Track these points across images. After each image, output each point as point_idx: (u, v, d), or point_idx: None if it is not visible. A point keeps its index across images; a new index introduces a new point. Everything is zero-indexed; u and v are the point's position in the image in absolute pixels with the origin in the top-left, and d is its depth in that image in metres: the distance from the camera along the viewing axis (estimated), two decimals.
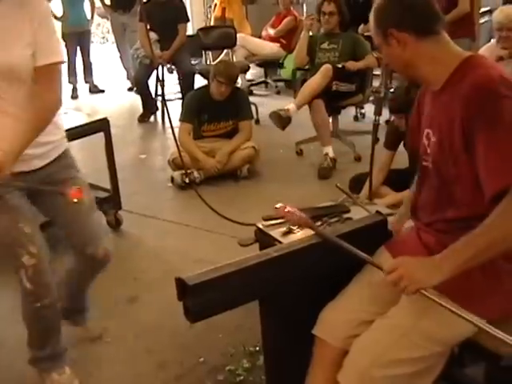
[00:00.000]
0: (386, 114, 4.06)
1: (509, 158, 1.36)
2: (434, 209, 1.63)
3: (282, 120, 4.30)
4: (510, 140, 1.36)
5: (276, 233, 1.86)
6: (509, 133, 1.37)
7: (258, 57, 6.83)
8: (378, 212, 1.86)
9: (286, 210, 1.75)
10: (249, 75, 7.17)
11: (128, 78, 7.37)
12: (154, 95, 5.97)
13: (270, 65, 7.01)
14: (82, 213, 2.05)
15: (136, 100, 6.24)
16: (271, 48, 6.84)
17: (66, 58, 1.87)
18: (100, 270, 2.19)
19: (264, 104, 6.17)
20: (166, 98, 5.12)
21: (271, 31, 6.85)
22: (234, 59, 6.54)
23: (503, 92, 1.40)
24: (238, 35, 6.66)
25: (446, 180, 1.56)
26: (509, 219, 1.33)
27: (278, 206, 1.78)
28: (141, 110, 6.00)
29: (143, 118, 5.93)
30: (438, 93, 1.57)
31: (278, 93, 7.10)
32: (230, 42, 6.52)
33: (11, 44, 1.78)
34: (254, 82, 7.07)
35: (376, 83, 4.40)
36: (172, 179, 4.19)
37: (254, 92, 6.96)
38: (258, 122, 5.45)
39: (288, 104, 4.39)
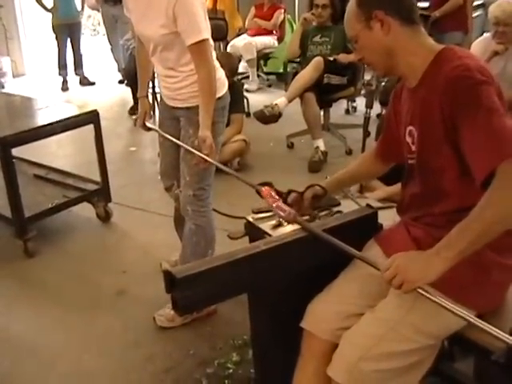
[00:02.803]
0: (377, 107, 4.09)
1: (493, 140, 1.34)
2: (420, 204, 1.63)
3: (266, 118, 4.27)
4: (491, 123, 1.35)
5: (265, 226, 1.83)
6: (489, 116, 1.36)
7: (262, 51, 6.82)
8: (368, 205, 1.85)
9: (274, 205, 1.76)
10: (240, 68, 7.14)
11: (119, 71, 7.32)
12: None
13: (262, 57, 6.99)
14: None
15: (126, 92, 6.21)
16: (269, 41, 6.83)
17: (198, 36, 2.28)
18: None
19: (255, 97, 6.15)
20: (157, 90, 5.08)
21: (262, 23, 6.81)
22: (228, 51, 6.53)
23: (479, 78, 1.39)
24: (247, 40, 6.67)
25: (432, 174, 1.56)
26: (503, 198, 1.29)
27: (263, 188, 1.80)
28: (131, 102, 5.98)
29: (133, 111, 5.86)
30: (414, 89, 1.57)
31: (270, 86, 7.08)
32: (221, 34, 6.47)
33: (149, 21, 2.32)
34: (244, 75, 7.03)
35: (368, 76, 4.37)
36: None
37: (245, 85, 6.93)
38: (248, 115, 5.44)
39: (279, 97, 4.38)
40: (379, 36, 1.54)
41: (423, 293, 1.33)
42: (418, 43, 1.55)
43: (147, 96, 2.74)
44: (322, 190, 1.87)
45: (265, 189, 1.82)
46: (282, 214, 1.74)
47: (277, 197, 1.80)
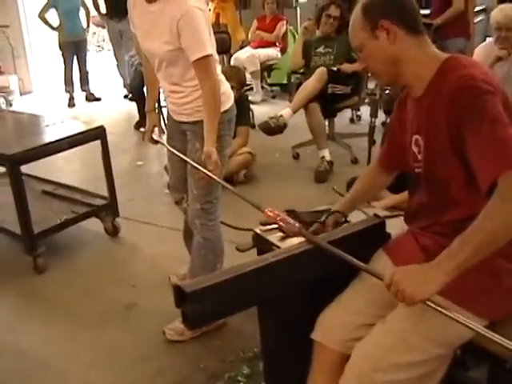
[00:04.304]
0: (382, 115, 4.08)
1: (497, 150, 1.33)
2: (428, 213, 1.62)
3: (271, 130, 4.27)
4: (495, 133, 1.35)
5: (273, 238, 1.83)
6: (493, 126, 1.35)
7: (266, 63, 6.84)
8: (375, 215, 1.85)
9: (278, 219, 1.77)
10: None
11: (124, 86, 7.36)
12: None
13: (266, 69, 7.00)
14: None
15: (132, 107, 6.24)
16: (272, 52, 6.85)
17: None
18: None
19: (259, 109, 6.16)
20: (162, 104, 5.11)
21: (265, 36, 6.84)
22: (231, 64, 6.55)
23: (484, 88, 1.39)
24: (250, 52, 6.70)
25: (439, 183, 1.55)
26: (503, 209, 1.28)
27: (266, 210, 1.82)
28: (137, 117, 6.00)
29: (139, 125, 5.89)
30: (420, 98, 1.56)
31: (274, 97, 7.09)
32: (224, 47, 6.49)
33: (154, 37, 2.33)
34: (248, 87, 7.03)
35: (371, 85, 4.36)
36: (168, 185, 4.16)
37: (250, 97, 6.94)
38: (253, 126, 5.42)
39: (283, 109, 4.38)
40: (385, 45, 1.53)
41: (431, 304, 1.31)
42: (424, 52, 1.55)
43: (155, 110, 2.75)
44: (342, 215, 1.86)
45: (267, 209, 1.83)
46: (286, 227, 1.75)
47: (277, 212, 1.81)
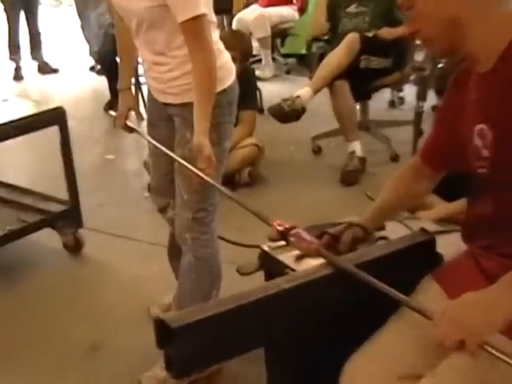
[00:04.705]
0: (432, 97, 4.05)
1: None
2: (494, 227, 1.62)
3: (285, 115, 4.30)
4: None
5: (287, 257, 1.84)
6: None
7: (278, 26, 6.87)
8: (422, 229, 1.85)
9: (290, 234, 1.77)
10: None
11: (91, 54, 7.39)
12: None
13: (279, 35, 7.01)
14: None
15: (101, 83, 6.25)
16: (287, 12, 6.85)
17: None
18: None
19: (269, 88, 6.17)
20: (141, 80, 5.16)
21: None
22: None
23: None
24: (258, 12, 6.73)
25: (511, 188, 1.55)
26: None
27: (275, 222, 1.82)
28: (108, 95, 5.99)
29: (110, 107, 5.69)
30: (488, 74, 1.54)
31: (288, 73, 7.10)
32: (224, 6, 6.51)
33: None
34: (256, 59, 7.03)
35: (419, 57, 4.37)
36: (149, 187, 4.17)
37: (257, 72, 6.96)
38: (262, 111, 5.45)
39: (301, 88, 4.38)
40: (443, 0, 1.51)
41: (492, 351, 1.31)
42: (497, 11, 1.51)
43: (131, 88, 2.75)
44: (363, 230, 1.86)
45: (276, 222, 1.83)
46: (300, 244, 1.76)
47: (289, 225, 1.81)
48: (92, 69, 7.45)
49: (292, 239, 1.79)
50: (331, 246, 1.83)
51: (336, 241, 1.84)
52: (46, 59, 7.65)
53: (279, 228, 1.82)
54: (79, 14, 7.26)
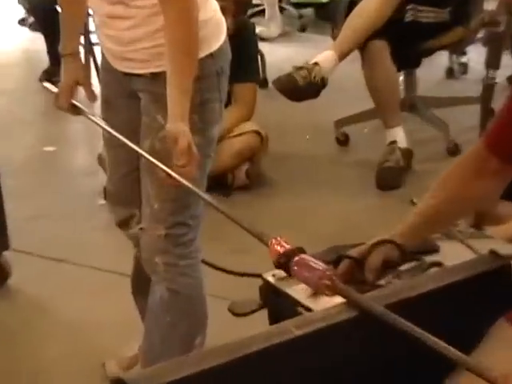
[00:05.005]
0: (508, 63, 3.95)
1: None
2: None
3: (299, 91, 4.25)
4: None
5: (298, 291, 1.83)
6: None
7: None
8: (492, 252, 1.85)
9: (293, 261, 1.73)
10: None
11: (19, 1, 7.35)
12: None
13: None
14: None
15: (35, 42, 6.41)
16: None
17: None
18: None
19: (276, 51, 6.18)
20: (93, 40, 5.20)
21: None
22: None
23: None
24: None
25: None
26: None
27: (273, 241, 1.80)
28: (46, 60, 6.04)
29: (50, 77, 5.64)
30: None
31: (303, 29, 7.14)
32: None
33: None
34: (256, 10, 7.00)
35: (490, 6, 4.30)
36: (106, 192, 4.01)
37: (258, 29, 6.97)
38: (265, 84, 5.49)
39: (321, 51, 4.35)
40: None
41: None
42: None
43: (78, 52, 2.72)
44: (398, 248, 1.87)
45: (275, 240, 1.81)
46: (307, 274, 1.72)
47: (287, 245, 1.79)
48: (22, 21, 7.57)
49: (296, 269, 1.75)
50: (352, 273, 1.87)
51: (361, 267, 1.87)
52: None
53: (277, 246, 1.81)
54: None
